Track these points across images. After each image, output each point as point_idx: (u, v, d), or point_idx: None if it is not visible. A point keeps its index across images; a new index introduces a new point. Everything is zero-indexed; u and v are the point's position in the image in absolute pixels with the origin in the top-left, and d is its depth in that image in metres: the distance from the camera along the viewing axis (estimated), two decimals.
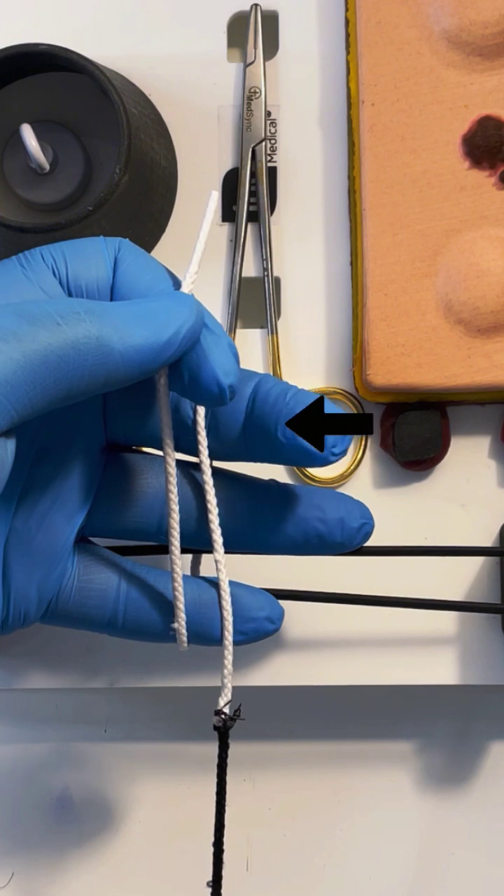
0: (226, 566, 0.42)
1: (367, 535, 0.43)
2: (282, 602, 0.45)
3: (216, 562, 0.42)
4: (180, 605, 0.42)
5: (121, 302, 0.37)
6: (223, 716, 0.41)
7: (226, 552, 0.43)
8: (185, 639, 0.42)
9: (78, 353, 0.35)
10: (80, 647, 0.50)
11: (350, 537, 0.43)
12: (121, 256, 0.39)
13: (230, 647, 0.42)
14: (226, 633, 0.42)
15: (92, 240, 0.40)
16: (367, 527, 0.43)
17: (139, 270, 0.39)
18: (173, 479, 0.41)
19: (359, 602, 0.46)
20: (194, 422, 0.41)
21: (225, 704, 0.42)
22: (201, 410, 0.40)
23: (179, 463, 0.42)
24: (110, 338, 0.35)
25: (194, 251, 0.40)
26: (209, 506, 0.41)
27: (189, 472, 0.43)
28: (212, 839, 0.43)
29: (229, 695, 0.42)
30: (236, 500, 0.42)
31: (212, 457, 0.41)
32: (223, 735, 0.42)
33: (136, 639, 0.43)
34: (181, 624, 0.42)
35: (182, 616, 0.42)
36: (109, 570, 0.42)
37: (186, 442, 0.41)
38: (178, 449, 0.41)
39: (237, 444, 0.41)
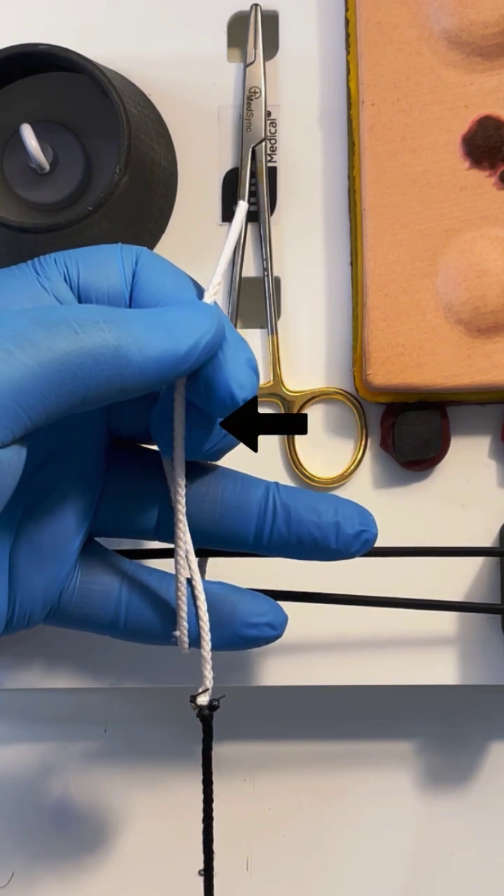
0: (210, 563, 0.42)
1: (367, 544, 0.42)
2: (281, 603, 0.45)
3: (185, 552, 0.41)
4: (183, 613, 0.41)
5: (140, 310, 0.37)
6: (195, 703, 0.41)
7: (219, 552, 0.43)
8: (186, 645, 0.42)
9: (94, 363, 0.34)
10: (81, 647, 0.50)
11: (346, 544, 0.41)
12: (140, 267, 0.38)
13: (207, 638, 0.42)
14: (202, 623, 0.42)
15: (108, 248, 0.39)
16: (367, 535, 0.42)
17: (160, 279, 0.38)
18: (181, 490, 0.40)
19: (359, 603, 0.46)
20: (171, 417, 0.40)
21: (201, 692, 0.42)
22: (178, 405, 0.40)
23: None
24: (128, 348, 0.35)
25: (219, 262, 0.39)
26: (178, 497, 0.41)
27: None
28: (212, 837, 0.43)
29: (208, 684, 0.42)
30: (231, 498, 0.42)
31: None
32: (206, 722, 0.42)
33: (137, 641, 0.43)
34: (182, 632, 0.42)
35: (184, 625, 0.42)
36: (112, 571, 0.42)
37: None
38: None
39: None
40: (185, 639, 0.42)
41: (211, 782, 0.42)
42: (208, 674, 0.42)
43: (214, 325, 0.37)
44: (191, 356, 0.36)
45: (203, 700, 0.42)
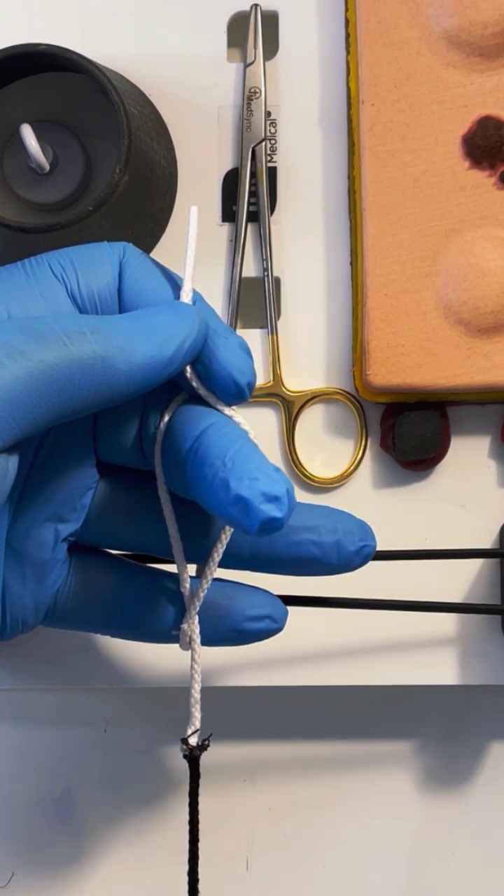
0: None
1: (367, 557, 0.41)
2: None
3: (182, 579, 0.41)
4: (195, 608, 0.41)
5: (124, 316, 0.37)
6: (187, 745, 0.41)
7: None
8: (188, 641, 0.42)
9: (83, 373, 0.35)
10: (80, 647, 0.50)
11: (347, 561, 0.41)
12: (125, 262, 0.39)
13: (198, 678, 0.41)
14: (195, 664, 0.41)
15: (98, 245, 0.39)
16: (368, 549, 0.41)
17: (144, 277, 0.39)
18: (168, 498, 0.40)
19: (359, 606, 0.46)
20: (154, 433, 0.40)
21: (192, 733, 0.41)
22: (161, 426, 0.40)
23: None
24: (115, 358, 0.36)
25: (185, 272, 0.40)
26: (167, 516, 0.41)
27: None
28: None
29: (197, 724, 0.41)
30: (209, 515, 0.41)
31: (169, 486, 0.40)
32: (193, 763, 0.41)
33: (134, 639, 0.43)
34: (188, 627, 0.42)
35: (195, 619, 0.41)
36: (107, 572, 0.42)
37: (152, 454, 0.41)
38: (147, 462, 0.41)
39: (185, 484, 0.39)
40: (189, 633, 0.42)
41: (196, 822, 0.42)
42: (197, 713, 0.41)
43: (196, 327, 0.38)
44: (175, 360, 0.37)
45: (193, 741, 0.41)
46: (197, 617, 0.41)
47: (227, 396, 0.39)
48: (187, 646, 0.42)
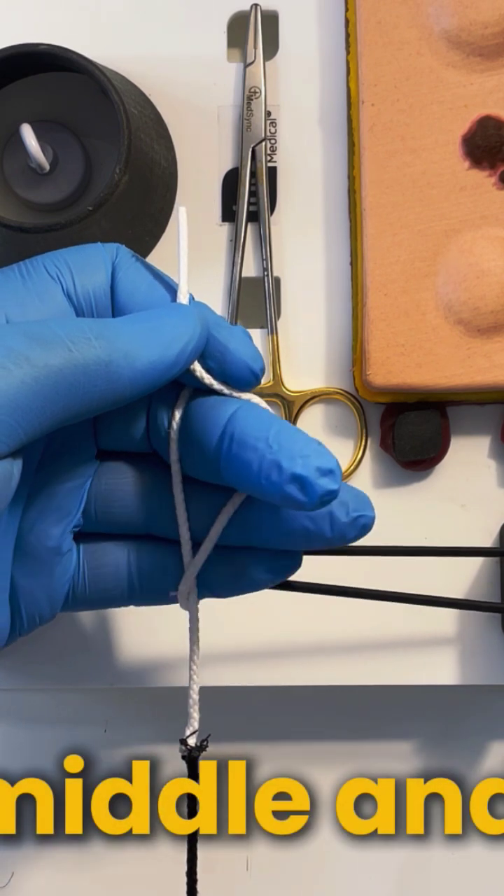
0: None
1: (365, 528, 0.40)
2: (279, 594, 0.43)
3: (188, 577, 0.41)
4: (194, 571, 0.41)
5: (126, 320, 0.38)
6: (187, 746, 0.41)
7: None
8: (186, 599, 0.42)
9: (87, 379, 0.35)
10: (80, 647, 0.50)
11: (342, 532, 0.39)
12: (118, 263, 0.39)
13: (197, 679, 0.42)
14: (193, 665, 0.42)
15: (91, 246, 0.40)
16: (364, 519, 0.39)
17: (136, 278, 0.39)
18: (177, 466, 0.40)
19: (360, 596, 0.46)
20: (167, 433, 0.40)
21: (190, 734, 0.41)
22: (174, 424, 0.40)
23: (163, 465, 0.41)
24: (119, 362, 0.36)
25: (180, 273, 0.40)
26: (179, 519, 0.41)
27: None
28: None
29: (196, 724, 0.41)
30: (213, 493, 0.41)
31: (191, 473, 0.40)
32: (191, 763, 0.41)
33: (156, 604, 0.42)
34: (185, 583, 0.41)
35: (194, 588, 0.41)
36: (117, 548, 0.42)
37: (164, 450, 0.41)
38: (152, 448, 0.41)
39: (213, 470, 0.39)
40: (185, 592, 0.41)
41: (196, 822, 0.42)
42: (196, 714, 0.42)
43: (199, 328, 0.38)
44: (179, 362, 0.37)
45: (192, 741, 0.41)
46: (195, 580, 0.41)
47: (242, 385, 0.39)
48: (186, 604, 0.41)
